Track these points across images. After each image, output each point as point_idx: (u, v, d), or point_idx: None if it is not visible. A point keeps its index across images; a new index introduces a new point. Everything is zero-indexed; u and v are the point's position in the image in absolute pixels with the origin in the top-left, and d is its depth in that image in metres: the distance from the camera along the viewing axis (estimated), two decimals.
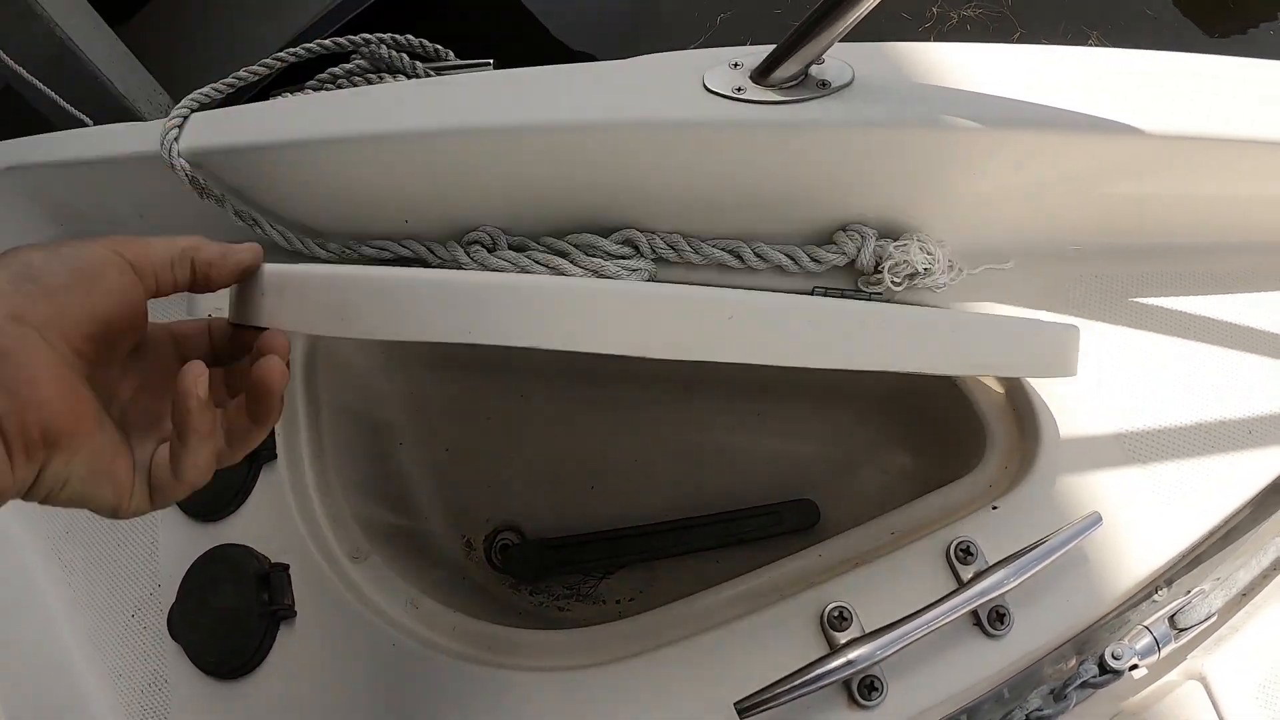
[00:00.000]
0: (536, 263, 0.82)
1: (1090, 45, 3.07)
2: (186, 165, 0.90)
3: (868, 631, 0.64)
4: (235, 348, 0.48)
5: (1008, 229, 0.84)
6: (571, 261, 0.81)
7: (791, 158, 0.74)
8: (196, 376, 0.40)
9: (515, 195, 0.85)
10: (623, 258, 0.81)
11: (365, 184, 0.90)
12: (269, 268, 0.45)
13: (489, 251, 0.85)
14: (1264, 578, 0.74)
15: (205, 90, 1.02)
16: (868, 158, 0.74)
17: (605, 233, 0.84)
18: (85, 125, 2.53)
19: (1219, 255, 0.87)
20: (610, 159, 0.78)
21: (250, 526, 0.84)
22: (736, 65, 0.73)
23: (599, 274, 0.80)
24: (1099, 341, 0.81)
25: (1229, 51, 0.82)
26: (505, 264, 0.83)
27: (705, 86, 0.72)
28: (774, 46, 0.71)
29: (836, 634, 0.66)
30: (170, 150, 0.90)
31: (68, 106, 2.44)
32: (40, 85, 2.38)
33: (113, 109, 3.35)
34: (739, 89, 0.71)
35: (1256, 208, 0.85)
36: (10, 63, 2.37)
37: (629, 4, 3.77)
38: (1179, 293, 0.84)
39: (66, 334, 0.37)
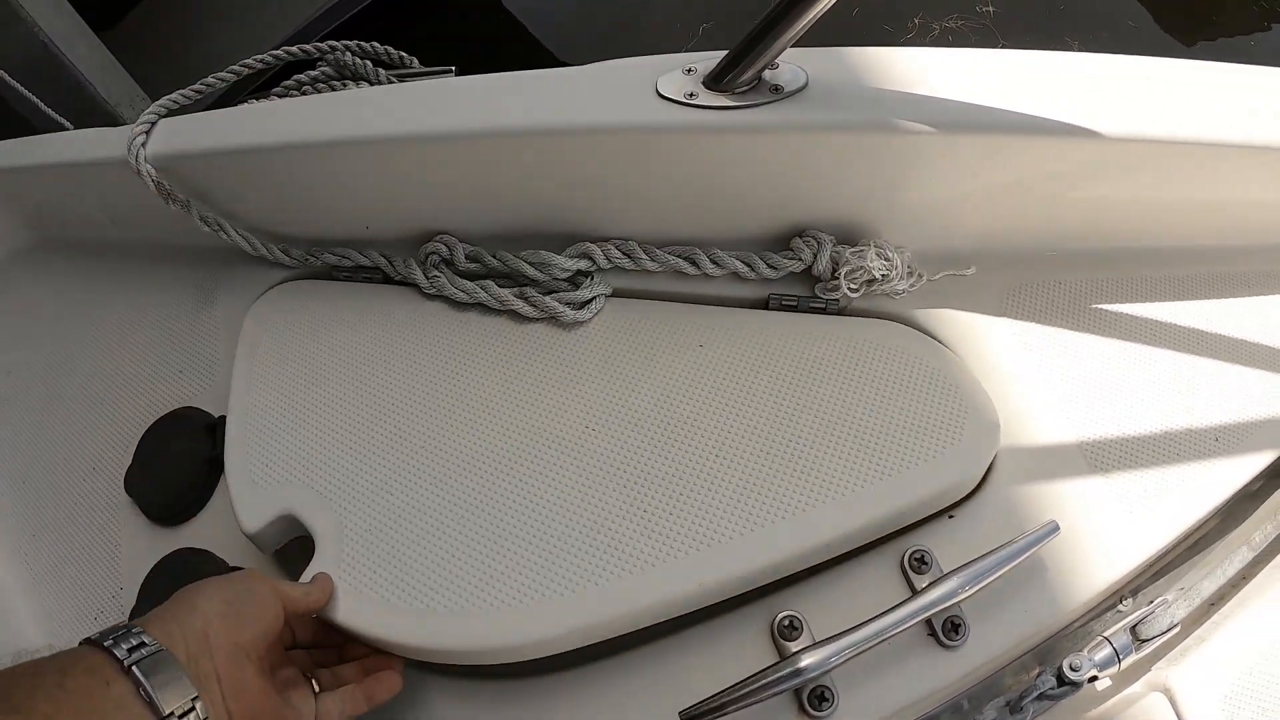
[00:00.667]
0: (493, 296, 0.82)
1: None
2: (153, 171, 0.90)
3: (818, 640, 0.63)
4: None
5: (968, 235, 0.83)
6: (527, 301, 0.81)
7: (744, 162, 0.74)
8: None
9: (471, 200, 0.85)
10: (576, 289, 0.81)
11: (325, 190, 0.90)
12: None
13: (447, 264, 0.85)
14: (1232, 587, 0.74)
15: (174, 96, 1.02)
16: (822, 162, 0.74)
17: (560, 241, 0.83)
18: (65, 129, 2.53)
19: (1182, 260, 0.86)
20: (563, 164, 0.77)
21: (210, 530, 0.84)
22: (690, 71, 0.73)
23: (555, 318, 0.81)
24: (1060, 349, 0.80)
25: (1211, 59, 0.82)
26: (462, 294, 0.83)
27: (658, 92, 0.72)
28: (727, 52, 0.71)
29: (787, 643, 0.65)
30: (137, 156, 0.90)
31: (48, 110, 2.43)
32: (20, 88, 2.37)
33: (95, 114, 3.34)
34: (691, 94, 0.71)
35: (1220, 212, 0.84)
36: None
37: (614, 13, 3.79)
38: (1142, 299, 0.84)
39: (259, 650, 0.56)
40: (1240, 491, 0.74)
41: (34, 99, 2.45)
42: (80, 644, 0.52)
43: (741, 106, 0.70)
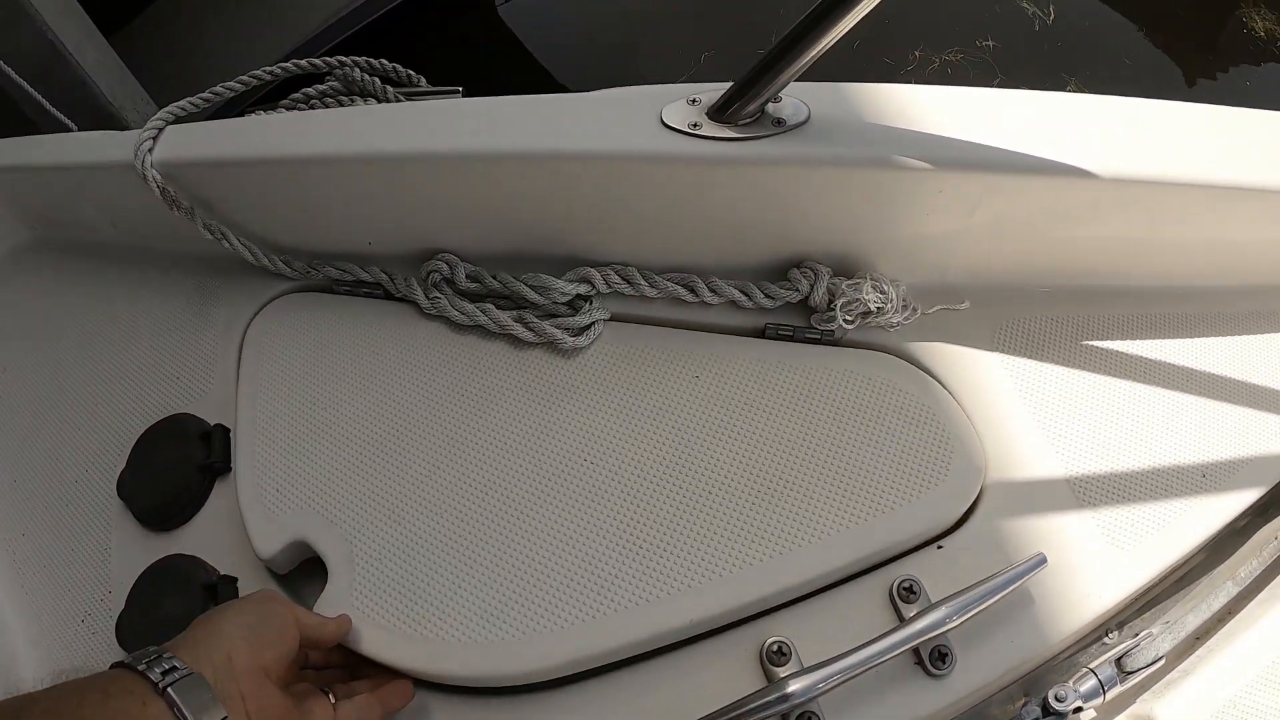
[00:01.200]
0: (492, 320, 0.83)
1: (1069, 89, 3.14)
2: (158, 176, 0.91)
3: (806, 666, 0.63)
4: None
5: (963, 269, 0.85)
6: (526, 326, 0.82)
7: (745, 193, 0.75)
8: None
9: (473, 220, 0.86)
10: (575, 313, 0.83)
11: (329, 204, 0.91)
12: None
13: (448, 283, 0.86)
14: (1218, 621, 0.74)
15: (182, 104, 1.03)
16: (821, 195, 0.75)
17: (560, 263, 0.84)
18: (69, 130, 2.53)
19: (1171, 299, 0.88)
20: (567, 189, 0.79)
21: (202, 538, 0.84)
22: (694, 101, 0.74)
23: (553, 344, 0.82)
24: (1051, 384, 0.82)
25: (1207, 100, 0.84)
26: (462, 317, 0.85)
27: (663, 121, 0.73)
28: (731, 83, 0.72)
29: (775, 669, 0.66)
30: (143, 161, 0.91)
31: (53, 110, 2.44)
32: (26, 86, 2.38)
33: (99, 116, 3.35)
34: (695, 124, 0.72)
35: (1209, 252, 0.86)
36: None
37: (617, 37, 3.83)
38: (1132, 336, 0.85)
39: (279, 669, 0.60)
40: (1226, 527, 0.75)
41: (39, 98, 2.45)
42: (112, 667, 0.56)
43: (744, 138, 0.71)
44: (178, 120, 0.99)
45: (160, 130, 0.95)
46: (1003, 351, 0.83)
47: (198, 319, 1.01)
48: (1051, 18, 3.48)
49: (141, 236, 1.10)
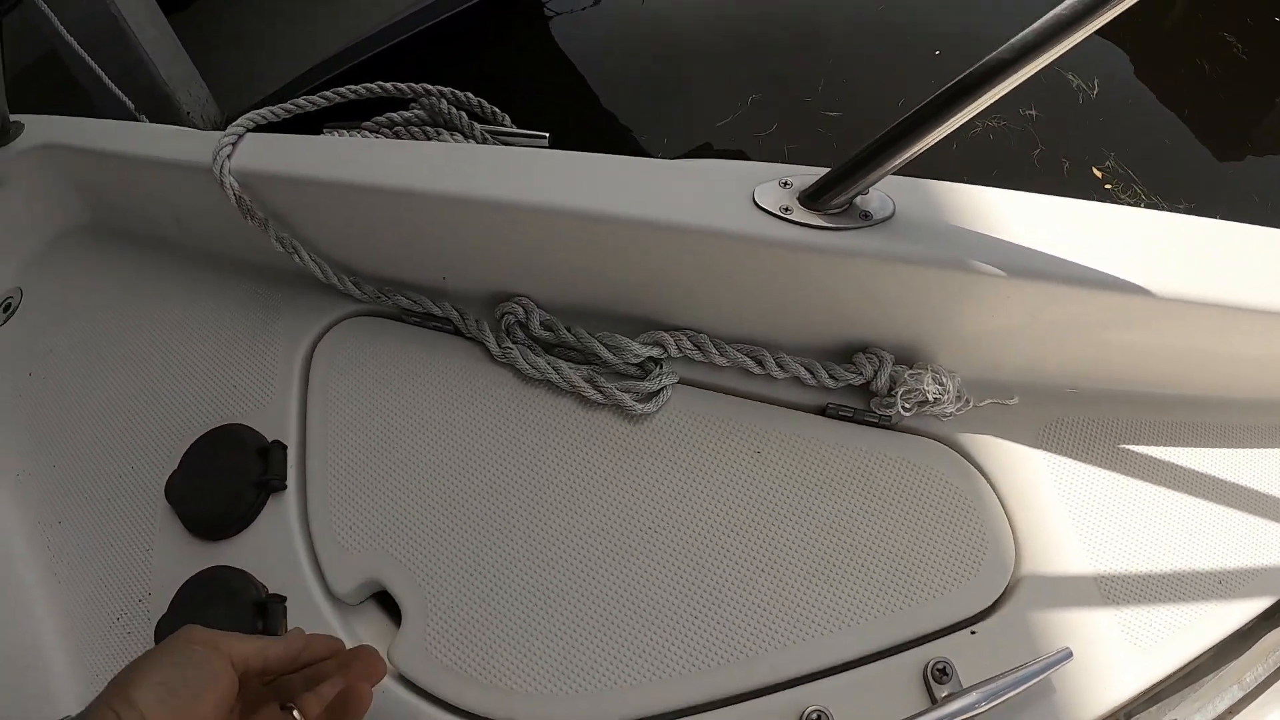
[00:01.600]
0: (563, 378, 0.86)
1: (1106, 166, 3.18)
2: (236, 184, 0.93)
3: None
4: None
5: (1016, 366, 0.88)
6: (595, 387, 0.85)
7: (824, 279, 0.78)
8: None
9: (553, 271, 0.89)
10: (646, 375, 0.86)
11: (408, 236, 0.93)
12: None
13: (521, 327, 0.88)
14: None
15: (262, 111, 1.05)
16: (896, 288, 0.78)
17: (634, 322, 0.87)
18: (125, 104, 2.55)
19: (1208, 409, 0.90)
20: (652, 254, 0.82)
21: (251, 552, 0.85)
22: (786, 184, 0.77)
23: (620, 406, 0.85)
24: (1088, 484, 0.84)
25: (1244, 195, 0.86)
26: (533, 371, 0.87)
27: (755, 202, 0.76)
28: (825, 172, 0.75)
29: None
30: (221, 167, 0.92)
31: (110, 84, 2.46)
32: (86, 58, 2.41)
33: (154, 96, 3.39)
34: (786, 208, 0.75)
35: (1251, 368, 0.89)
36: (62, 30, 2.41)
37: (666, 69, 3.86)
38: (1169, 442, 0.88)
39: (218, 717, 0.51)
40: (1235, 632, 0.78)
41: (98, 70, 2.47)
42: None
43: (833, 229, 0.74)
44: (257, 128, 1.01)
45: (240, 137, 0.97)
46: (1046, 449, 0.86)
47: (258, 330, 1.01)
48: (1095, 92, 3.52)
49: (205, 239, 1.11)
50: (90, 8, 3.18)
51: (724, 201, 0.77)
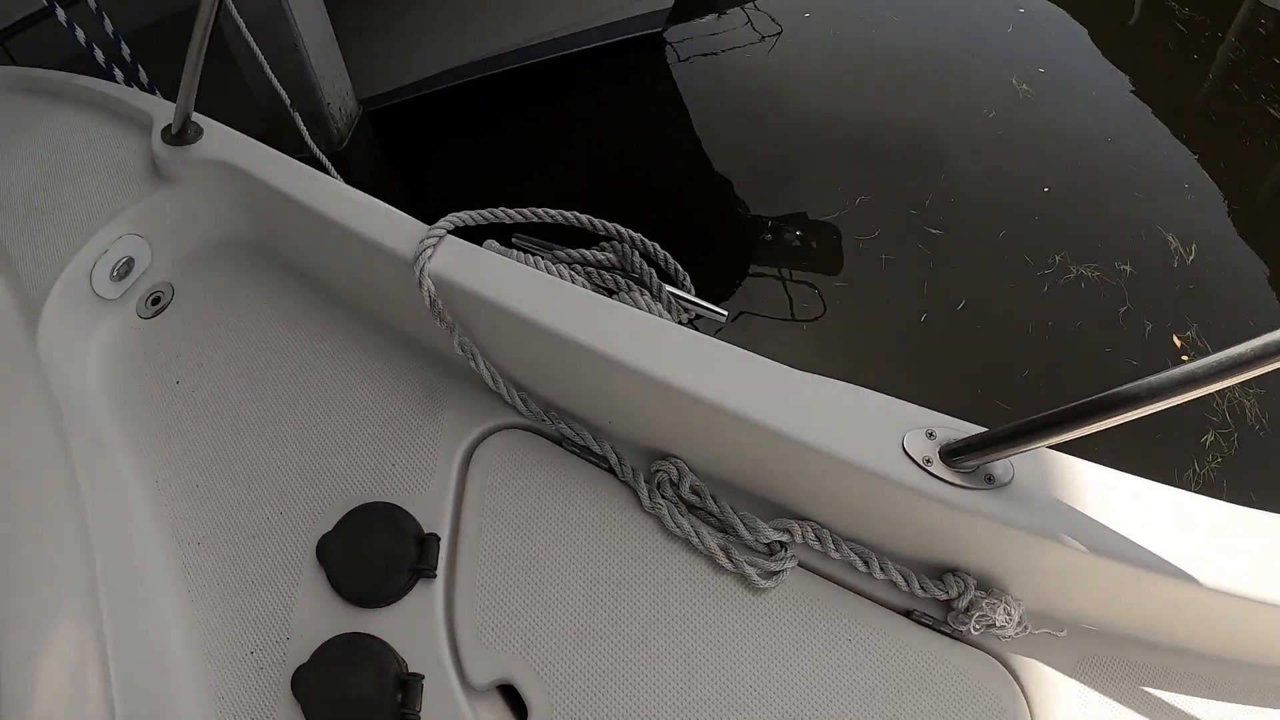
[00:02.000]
0: (702, 542, 0.97)
1: (1187, 336, 3.21)
2: (433, 288, 1.01)
3: None
4: None
5: (1071, 606, 0.98)
6: (727, 555, 0.97)
7: (945, 524, 0.91)
8: None
9: (708, 449, 1.01)
10: (771, 555, 0.97)
11: (585, 382, 1.02)
12: None
13: (672, 485, 1.01)
14: None
15: (462, 215, 1.15)
16: (997, 540, 0.90)
17: (768, 506, 1.01)
18: (280, 94, 2.68)
19: (1228, 667, 0.98)
20: (800, 465, 0.94)
21: (395, 628, 0.92)
22: (931, 435, 0.91)
23: (745, 578, 0.96)
24: (1109, 717, 0.93)
25: None
26: (677, 530, 0.98)
27: (904, 448, 0.90)
28: (969, 434, 0.88)
29: None
30: (422, 269, 1.00)
31: (265, 67, 2.60)
32: (246, 32, 2.54)
33: (300, 79, 3.57)
34: (928, 459, 0.89)
35: (1272, 639, 0.96)
36: (232, 8, 2.53)
37: (784, 150, 3.99)
38: (1186, 692, 0.97)
39: None
40: None
41: (255, 49, 2.59)
42: None
43: (962, 487, 0.87)
44: (455, 230, 1.10)
45: (441, 239, 1.05)
46: (1081, 680, 0.96)
47: (424, 417, 1.07)
48: (1191, 258, 3.56)
49: (379, 309, 1.18)
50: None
51: (875, 440, 0.90)
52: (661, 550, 0.99)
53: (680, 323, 1.15)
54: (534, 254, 1.24)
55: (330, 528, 0.97)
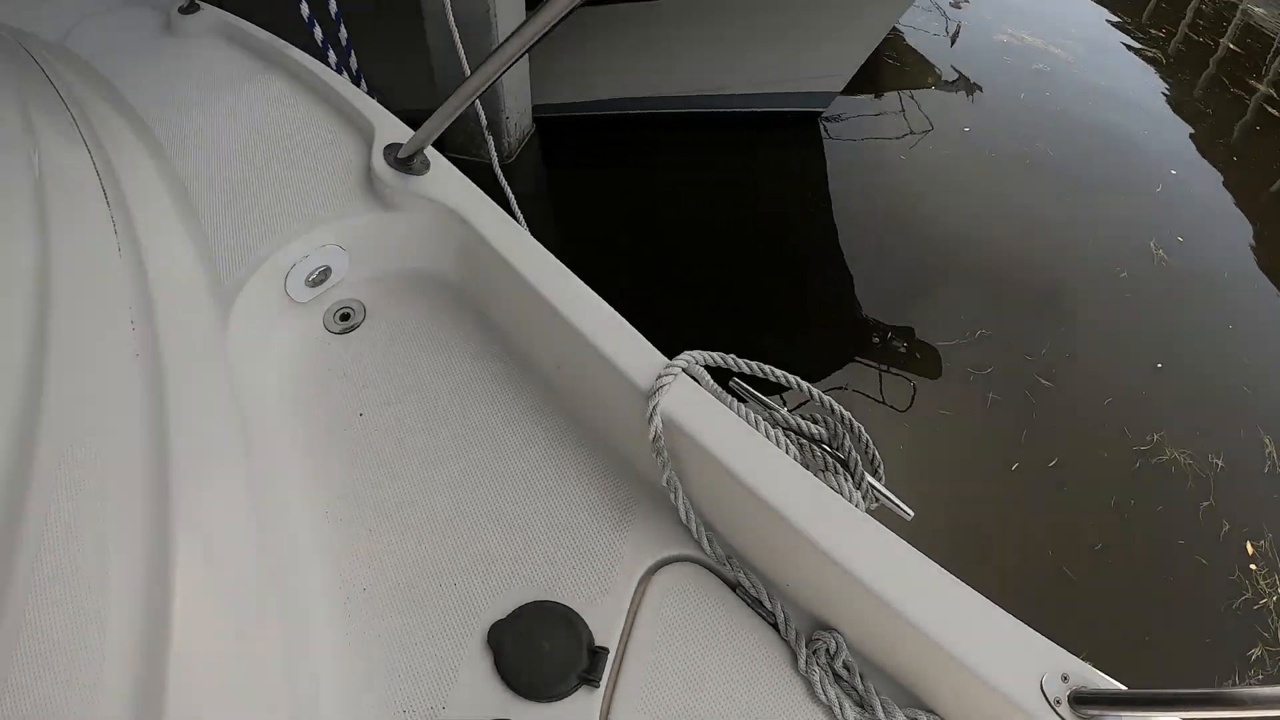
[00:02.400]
0: (844, 715, 1.04)
1: (1261, 545, 3.29)
2: (661, 426, 1.06)
3: None
4: None
5: None
6: None
7: None
8: None
9: (871, 633, 1.08)
10: None
11: (775, 546, 1.06)
12: None
13: (828, 655, 1.10)
14: None
15: (696, 354, 1.19)
16: None
17: (908, 697, 1.11)
18: (479, 113, 2.85)
19: None
20: (947, 673, 1.02)
21: None
22: (1065, 679, 1.01)
23: None
24: None
25: None
26: (823, 698, 1.05)
27: (1040, 686, 1.00)
28: (1103, 689, 0.96)
29: None
30: (655, 405, 1.04)
31: (464, 59, 2.75)
32: (460, 45, 2.69)
33: (491, 94, 3.77)
34: (1058, 701, 0.99)
35: None
36: (450, 16, 2.78)
37: (907, 265, 4.12)
38: None
39: None
40: None
41: (463, 56, 2.78)
42: None
43: None
44: (686, 370, 1.14)
45: (675, 377, 1.10)
46: None
47: (610, 528, 1.08)
48: None
49: (585, 414, 1.18)
50: (475, 10, 3.50)
51: (1015, 670, 1.00)
52: (806, 713, 1.04)
53: (868, 509, 1.24)
54: (750, 405, 1.27)
55: (504, 614, 0.99)
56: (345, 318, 1.27)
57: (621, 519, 1.09)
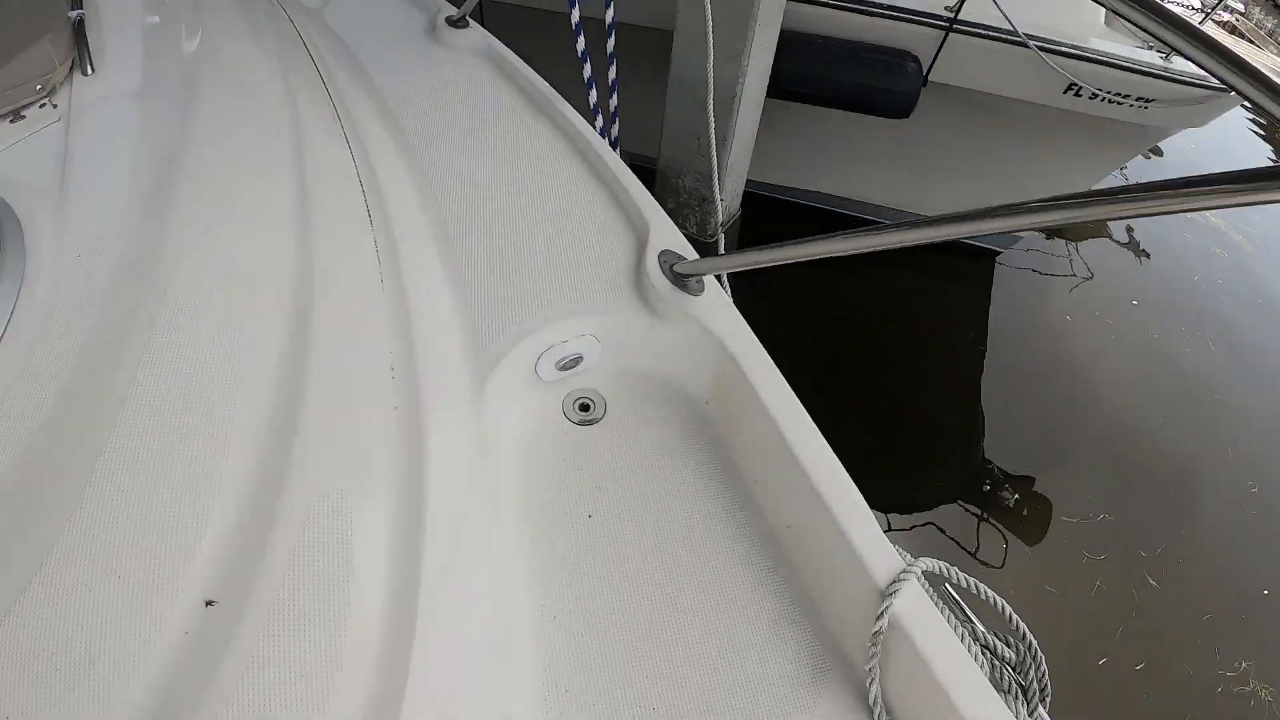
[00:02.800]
0: None
1: None
2: (886, 625, 1.01)
3: None
4: None
5: None
6: None
7: None
8: None
9: None
10: None
11: None
12: None
13: None
14: None
15: (931, 562, 1.15)
16: None
17: None
18: (717, 198, 3.03)
19: None
20: None
21: None
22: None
23: None
24: None
25: None
26: None
27: None
28: None
29: None
30: (886, 608, 1.01)
31: (715, 163, 2.76)
32: (712, 133, 2.68)
33: (707, 164, 3.79)
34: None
35: None
36: (711, 97, 2.97)
37: (1040, 425, 4.17)
38: None
39: None
40: None
41: (713, 135, 2.75)
42: None
43: None
44: (920, 574, 1.10)
45: (909, 581, 1.05)
46: None
47: (794, 684, 1.05)
48: None
49: (799, 573, 1.12)
50: (723, 91, 3.67)
51: None
52: None
53: None
54: (954, 611, 1.28)
55: None
56: (585, 408, 1.25)
57: (811, 683, 1.04)
